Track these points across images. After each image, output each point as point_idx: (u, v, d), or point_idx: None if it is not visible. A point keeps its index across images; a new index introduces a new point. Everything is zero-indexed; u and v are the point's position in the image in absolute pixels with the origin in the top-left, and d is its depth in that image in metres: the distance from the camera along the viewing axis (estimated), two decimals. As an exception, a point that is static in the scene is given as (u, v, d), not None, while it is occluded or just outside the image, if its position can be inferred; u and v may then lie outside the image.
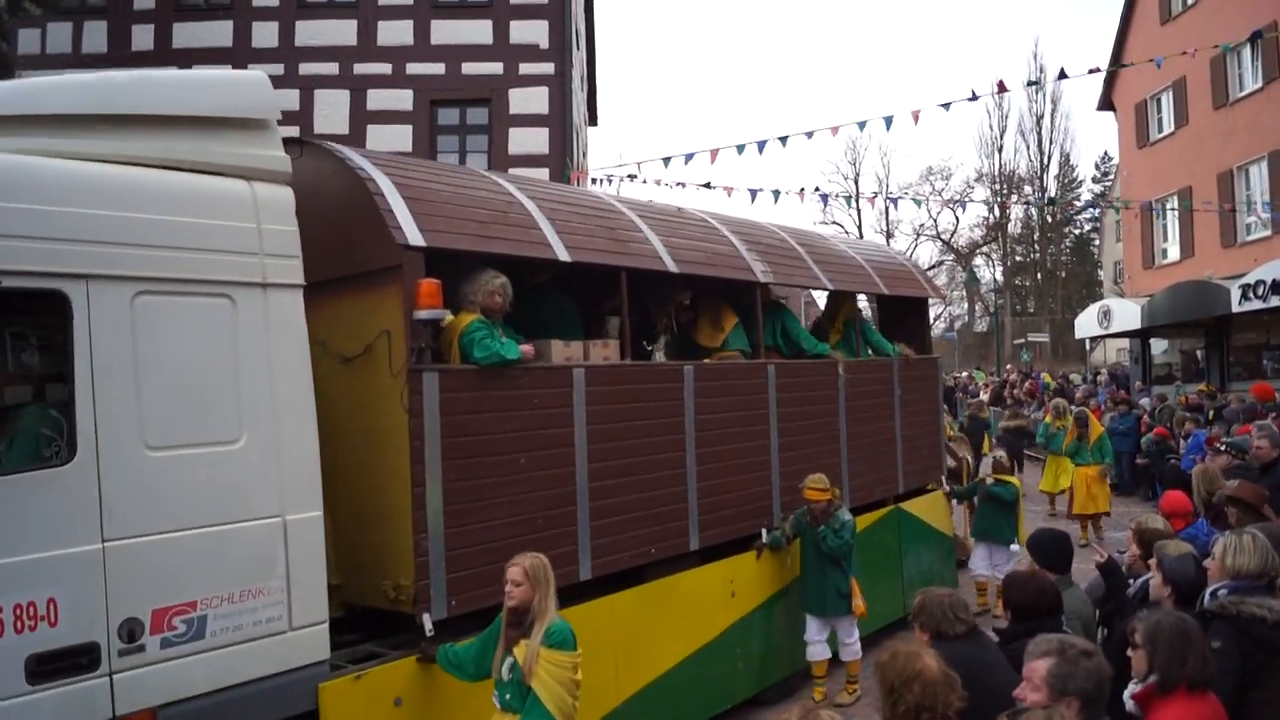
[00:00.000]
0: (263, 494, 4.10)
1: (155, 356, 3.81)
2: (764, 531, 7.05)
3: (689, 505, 6.35)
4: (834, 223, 52.35)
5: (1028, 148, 50.19)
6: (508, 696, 4.19)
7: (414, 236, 4.81)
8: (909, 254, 56.73)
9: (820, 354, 7.84)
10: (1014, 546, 9.21)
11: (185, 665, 3.80)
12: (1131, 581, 4.87)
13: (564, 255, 5.59)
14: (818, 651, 7.16)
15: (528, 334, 6.26)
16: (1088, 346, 36.54)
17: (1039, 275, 52.73)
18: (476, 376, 5.03)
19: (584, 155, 21.50)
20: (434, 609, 4.70)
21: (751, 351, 7.19)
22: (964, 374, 34.16)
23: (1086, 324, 24.63)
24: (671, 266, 6.38)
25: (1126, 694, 3.31)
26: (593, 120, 26.15)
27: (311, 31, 16.04)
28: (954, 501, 9.77)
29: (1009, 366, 32.41)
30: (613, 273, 6.03)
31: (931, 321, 11.17)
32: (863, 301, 10.35)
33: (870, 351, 8.86)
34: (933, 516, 9.36)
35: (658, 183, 19.78)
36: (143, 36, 16.06)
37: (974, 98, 12.40)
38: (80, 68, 15.19)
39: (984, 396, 21.16)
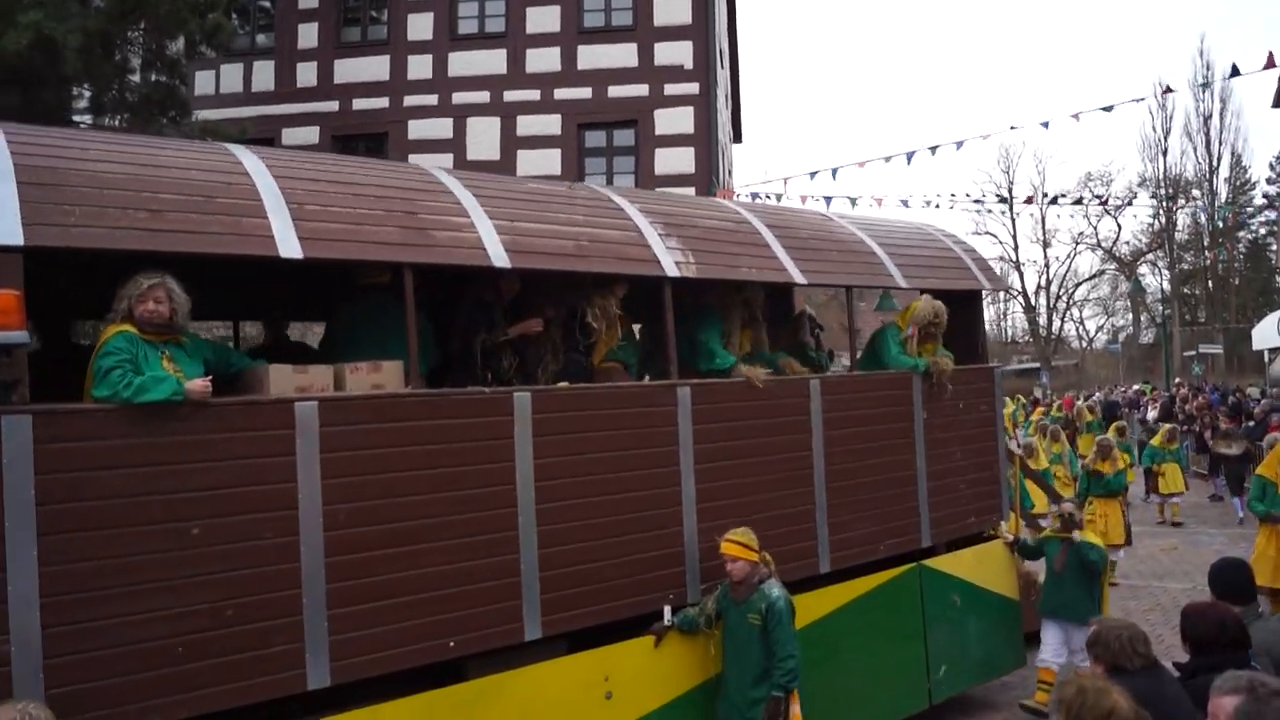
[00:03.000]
0: None
1: None
2: (667, 610, 5.28)
3: (523, 580, 4.73)
4: (987, 232, 50.65)
5: (1195, 149, 46.80)
6: None
7: (5, 233, 3.55)
8: (1068, 261, 51.77)
9: (719, 369, 5.91)
10: (1097, 625, 6.84)
11: None
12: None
13: (288, 250, 4.15)
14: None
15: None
16: (1266, 358, 32.56)
17: (1209, 283, 48.78)
18: (111, 418, 3.68)
19: (729, 173, 21.25)
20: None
21: (637, 365, 5.46)
22: (1132, 388, 30.80)
23: (1266, 333, 22.22)
24: (497, 260, 4.78)
25: None
26: (737, 137, 25.88)
27: (464, 62, 16.59)
28: (1016, 555, 7.43)
29: (1178, 380, 29.07)
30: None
31: (987, 318, 8.83)
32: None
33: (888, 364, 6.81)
34: (984, 574, 7.13)
35: (803, 198, 18.87)
36: (306, 74, 17.05)
37: (1139, 100, 11.21)
38: (250, 105, 16.49)
39: (1153, 412, 17.82)
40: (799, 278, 6.14)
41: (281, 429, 4.05)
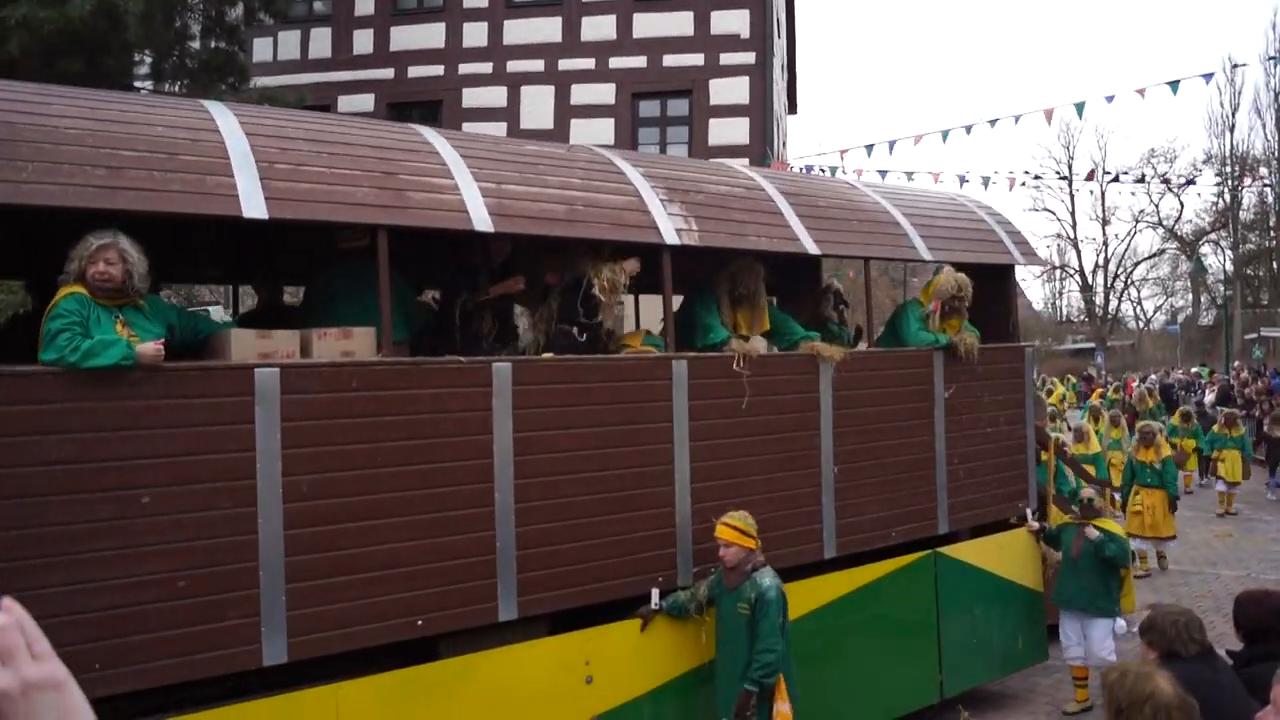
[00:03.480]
0: None
1: None
2: (654, 592, 5.07)
3: (498, 558, 4.55)
4: (1045, 209, 49.81)
5: (1264, 126, 43.86)
6: None
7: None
8: (1127, 239, 50.06)
9: (712, 344, 5.61)
10: (1120, 621, 6.47)
11: None
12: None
13: (253, 210, 3.97)
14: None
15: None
16: (1331, 342, 31.20)
17: (1274, 264, 46.25)
18: (58, 382, 3.56)
19: (784, 145, 20.90)
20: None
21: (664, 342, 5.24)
22: (1191, 370, 29.61)
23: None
24: (479, 224, 4.56)
25: None
26: (792, 109, 25.32)
27: (519, 30, 16.33)
28: (1043, 543, 7.04)
29: (1237, 364, 27.72)
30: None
31: (1021, 295, 8.39)
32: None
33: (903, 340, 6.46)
34: (1005, 563, 6.79)
35: (858, 172, 18.35)
36: (363, 41, 16.88)
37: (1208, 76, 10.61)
38: (307, 72, 16.59)
39: (1210, 396, 16.96)
40: (812, 248, 5.81)
41: (240, 395, 3.90)
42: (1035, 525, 6.95)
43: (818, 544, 5.74)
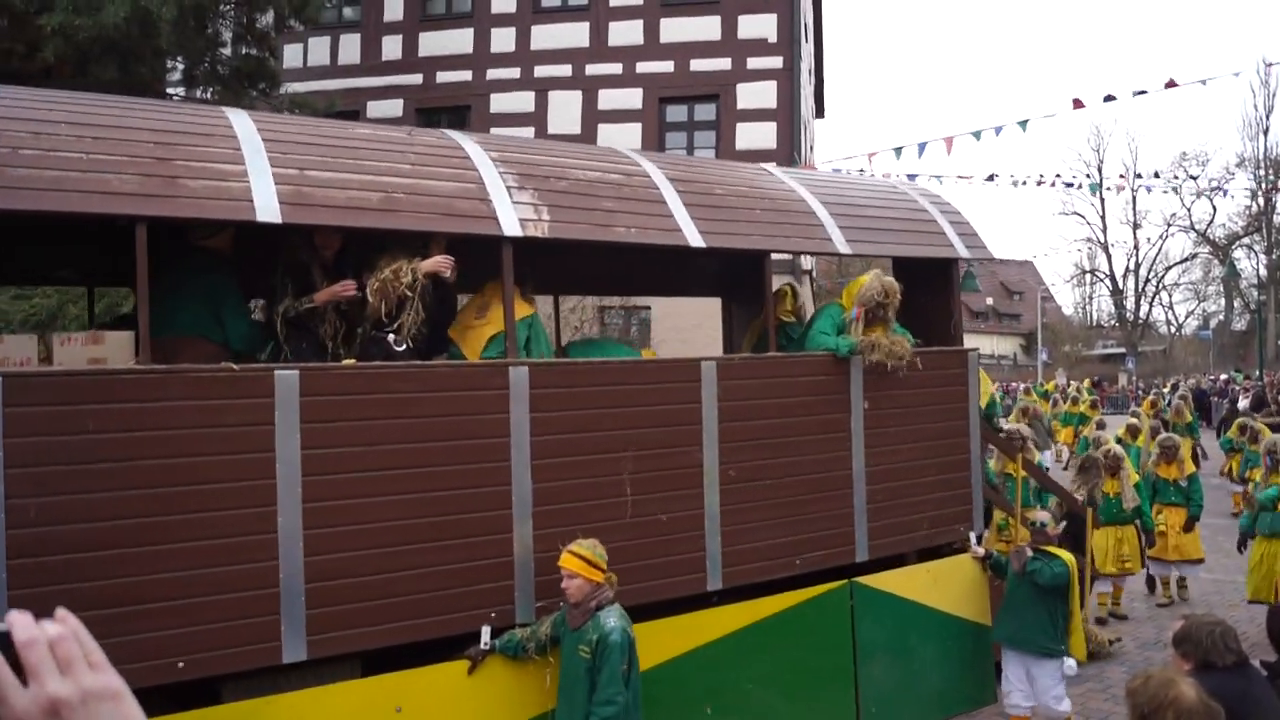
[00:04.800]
0: None
1: None
2: (485, 630, 4.48)
3: (283, 591, 4.02)
4: (1075, 213, 49.86)
5: None
6: None
7: None
8: (1159, 243, 48.60)
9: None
10: (1069, 661, 5.67)
11: None
12: None
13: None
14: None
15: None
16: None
17: None
18: None
19: (811, 149, 20.47)
20: None
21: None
22: (1222, 376, 28.22)
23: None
24: (265, 214, 4.04)
25: None
26: (820, 113, 25.10)
27: (546, 35, 16.28)
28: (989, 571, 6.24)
29: (1270, 370, 26.57)
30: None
31: (966, 292, 7.62)
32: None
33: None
34: (941, 594, 6.03)
35: (885, 175, 17.73)
36: (391, 47, 16.91)
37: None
38: (336, 78, 16.74)
39: (1244, 402, 15.67)
40: (696, 240, 5.17)
41: (-57, 409, 3.45)
42: (979, 551, 6.17)
43: (699, 574, 5.09)
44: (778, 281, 6.00)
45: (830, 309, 5.87)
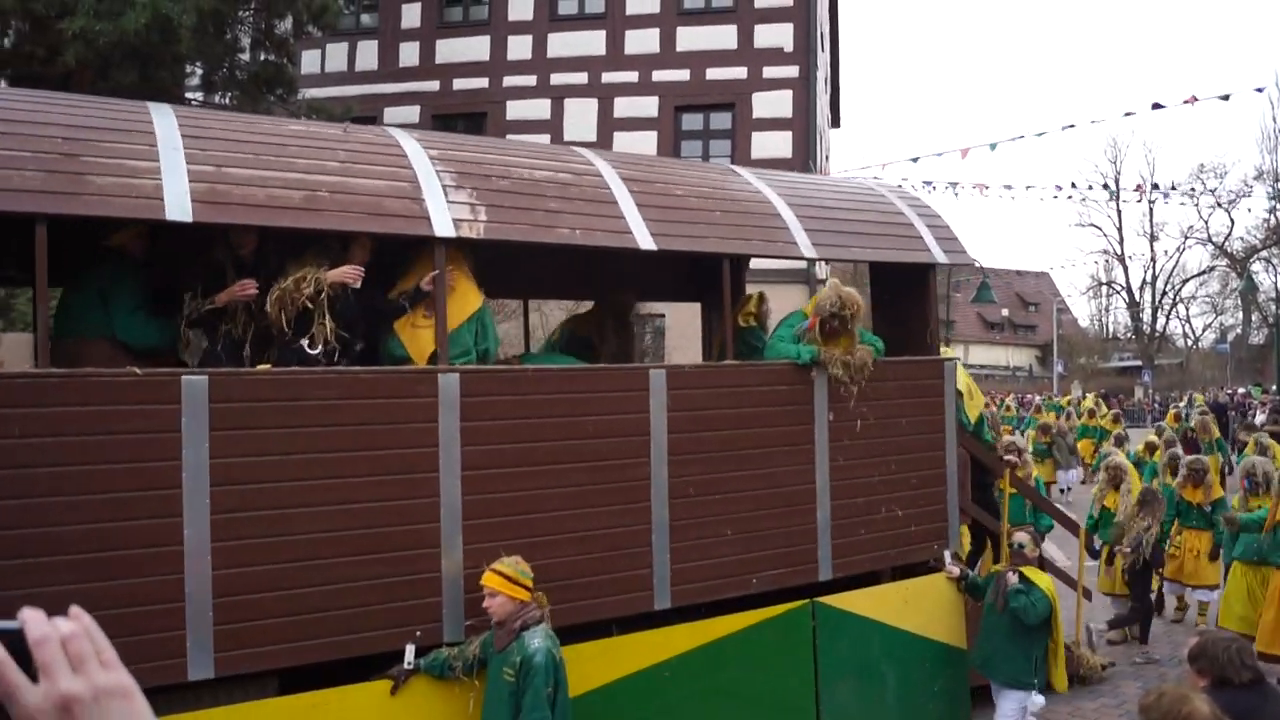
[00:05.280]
0: None
1: None
2: (409, 649, 4.28)
3: (189, 605, 3.84)
4: (1091, 224, 49.84)
5: None
6: None
7: None
8: (1176, 255, 48.20)
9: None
10: (1036, 698, 5.36)
11: None
12: None
13: None
14: None
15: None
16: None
17: None
18: None
19: (827, 158, 20.61)
20: None
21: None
22: (1239, 390, 27.83)
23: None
24: (175, 213, 3.88)
25: None
26: (835, 122, 25.11)
27: (562, 43, 16.29)
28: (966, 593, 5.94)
29: None
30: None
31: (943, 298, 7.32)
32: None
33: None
34: (912, 615, 5.74)
35: (901, 183, 17.52)
36: (409, 53, 16.97)
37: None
38: (353, 84, 16.80)
39: (1261, 417, 15.09)
40: (647, 243, 4.96)
41: None
42: (955, 571, 5.88)
43: (646, 592, 4.86)
44: (789, 290, 5.79)
45: (793, 317, 5.63)
